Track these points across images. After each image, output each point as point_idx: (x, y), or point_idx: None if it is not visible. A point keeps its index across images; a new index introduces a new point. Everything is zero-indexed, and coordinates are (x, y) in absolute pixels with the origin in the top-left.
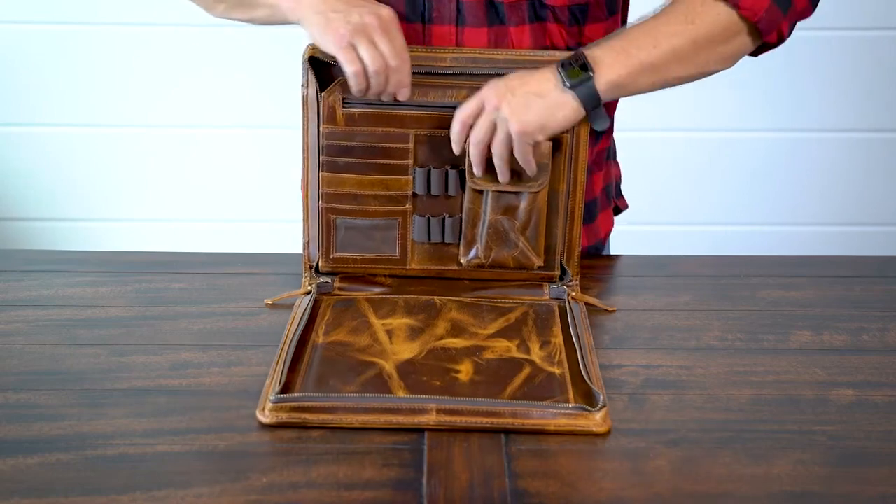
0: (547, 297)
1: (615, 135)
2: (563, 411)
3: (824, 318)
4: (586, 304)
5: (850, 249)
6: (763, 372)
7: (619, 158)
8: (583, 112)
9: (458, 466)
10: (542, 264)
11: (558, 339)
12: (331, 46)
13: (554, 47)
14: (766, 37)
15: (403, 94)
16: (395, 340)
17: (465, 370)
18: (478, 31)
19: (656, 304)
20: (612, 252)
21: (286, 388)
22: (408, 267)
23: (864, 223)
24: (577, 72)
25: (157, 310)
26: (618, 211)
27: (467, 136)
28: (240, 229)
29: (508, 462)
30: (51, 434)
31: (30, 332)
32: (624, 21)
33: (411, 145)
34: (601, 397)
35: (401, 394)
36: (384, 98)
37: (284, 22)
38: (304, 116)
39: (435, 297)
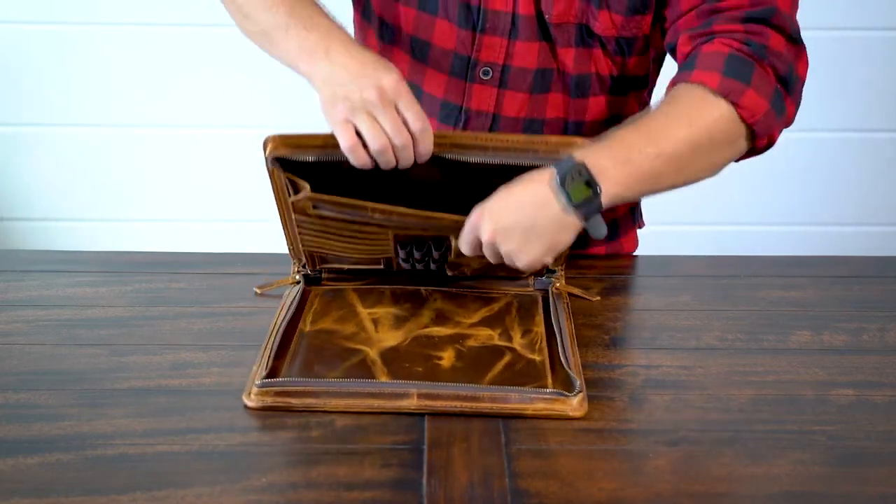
0: (531, 289)
1: None
2: (540, 396)
3: (824, 318)
4: (570, 294)
5: (850, 249)
6: (763, 372)
7: None
8: (583, 224)
9: (458, 466)
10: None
11: (540, 328)
12: (330, 122)
13: (598, 74)
14: (759, 141)
15: (423, 159)
16: (381, 328)
17: (447, 357)
18: (529, 46)
19: (656, 304)
20: None
21: (272, 373)
22: (394, 270)
23: (864, 223)
24: (583, 189)
25: (157, 310)
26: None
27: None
28: (240, 229)
29: (508, 462)
30: (51, 434)
31: (30, 332)
32: (658, 60)
33: (390, 238)
34: (578, 383)
35: (384, 379)
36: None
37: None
38: (272, 185)
39: (421, 288)
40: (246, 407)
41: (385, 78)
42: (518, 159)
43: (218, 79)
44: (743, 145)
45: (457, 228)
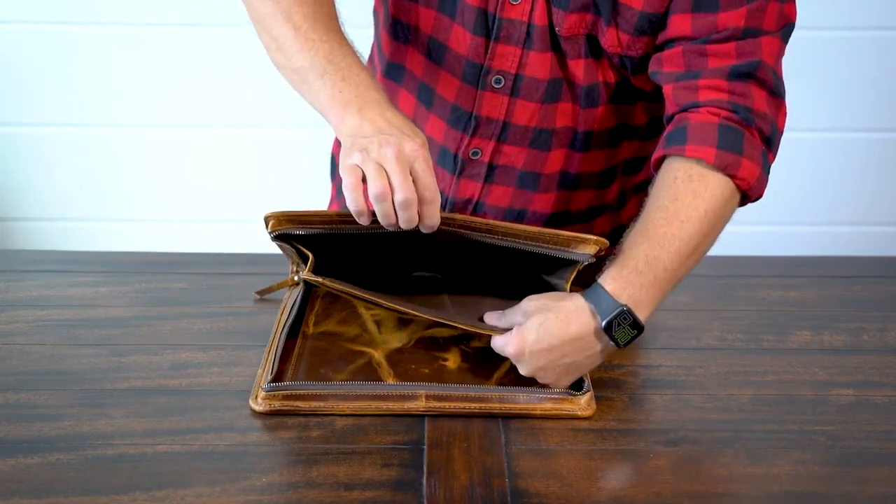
0: None
1: None
2: (548, 396)
3: (824, 318)
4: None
5: (850, 249)
6: (763, 372)
7: None
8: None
9: (458, 466)
10: None
11: None
12: (341, 167)
13: (605, 82)
14: (748, 202)
15: (427, 230)
16: (384, 330)
17: (452, 358)
18: (542, 56)
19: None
20: None
21: (278, 377)
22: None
23: (864, 223)
24: (629, 332)
25: (157, 310)
26: None
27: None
28: (240, 229)
29: (508, 462)
30: (51, 434)
31: (30, 332)
32: None
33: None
34: (586, 383)
35: (390, 381)
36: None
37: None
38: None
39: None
40: (253, 411)
41: (408, 141)
42: (528, 247)
43: (218, 79)
44: (733, 211)
45: (469, 333)
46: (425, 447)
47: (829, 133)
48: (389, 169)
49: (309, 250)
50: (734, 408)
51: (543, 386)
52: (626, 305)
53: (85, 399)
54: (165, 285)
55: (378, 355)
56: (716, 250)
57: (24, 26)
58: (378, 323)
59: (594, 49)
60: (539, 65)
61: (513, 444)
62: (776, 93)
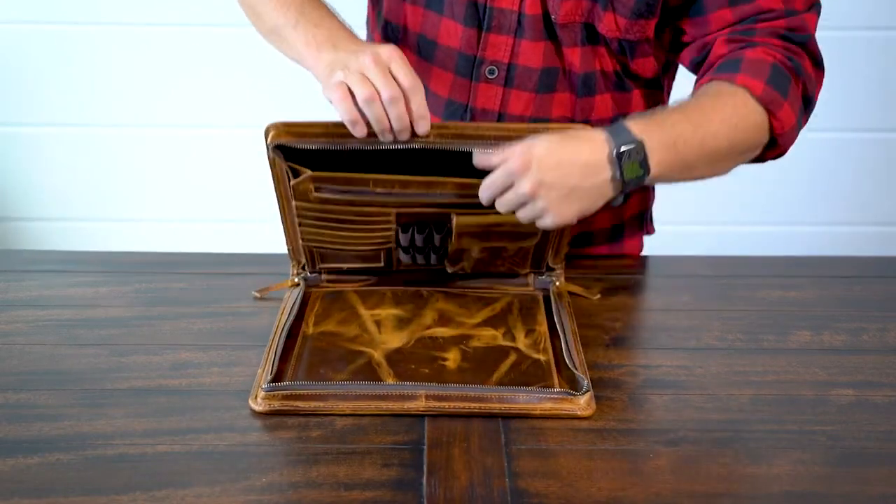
0: (532, 288)
1: None
2: (548, 396)
3: (824, 318)
4: (570, 292)
5: (850, 249)
6: (763, 372)
7: None
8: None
9: (458, 466)
10: (529, 270)
11: (543, 327)
12: (325, 89)
13: (603, 71)
14: (776, 151)
15: (421, 128)
16: (384, 330)
17: (452, 358)
18: (534, 45)
19: (656, 304)
20: None
21: (277, 377)
22: (393, 269)
23: (864, 223)
24: (636, 168)
25: (157, 310)
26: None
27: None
28: (240, 229)
29: (508, 462)
30: (51, 434)
31: (30, 332)
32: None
33: (393, 219)
34: (585, 382)
35: (390, 381)
36: (400, 138)
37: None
38: (272, 174)
39: (422, 289)
40: (252, 411)
41: (382, 48)
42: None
43: (218, 79)
44: (758, 152)
45: (462, 195)
46: (425, 447)
47: (829, 133)
48: (370, 74)
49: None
50: (734, 408)
51: (543, 385)
52: (641, 141)
53: (85, 399)
54: (165, 285)
55: (378, 355)
56: (716, 250)
57: (24, 26)
58: (378, 323)
59: (591, 36)
60: (532, 53)
61: (513, 444)
62: (820, 65)
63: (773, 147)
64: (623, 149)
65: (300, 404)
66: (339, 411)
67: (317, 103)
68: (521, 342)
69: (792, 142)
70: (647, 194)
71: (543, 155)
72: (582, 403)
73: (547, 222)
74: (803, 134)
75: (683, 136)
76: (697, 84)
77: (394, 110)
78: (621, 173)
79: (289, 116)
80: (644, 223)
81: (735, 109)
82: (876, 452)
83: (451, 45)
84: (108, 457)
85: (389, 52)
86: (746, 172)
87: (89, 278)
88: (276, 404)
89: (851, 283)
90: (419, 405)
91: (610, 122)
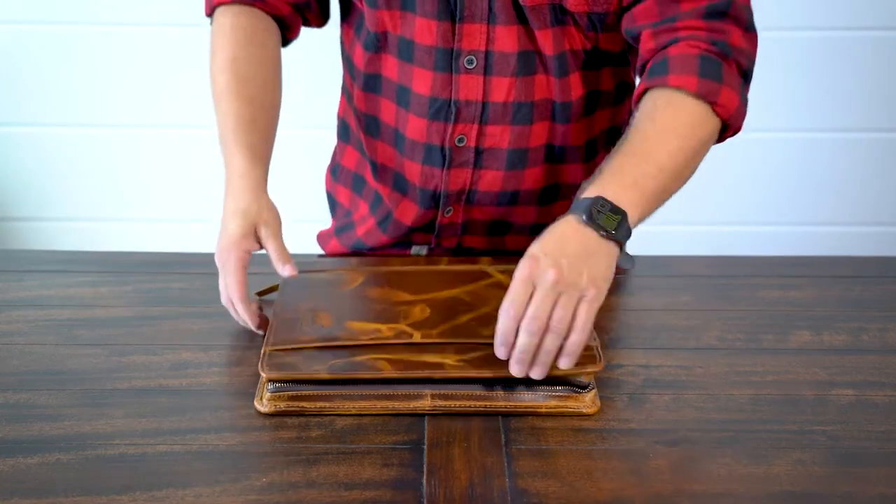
0: None
1: None
2: (553, 394)
3: (824, 318)
4: None
5: (850, 249)
6: (763, 372)
7: None
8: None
9: (458, 466)
10: None
11: None
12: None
13: (573, 50)
14: (729, 133)
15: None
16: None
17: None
18: (508, 30)
19: (656, 304)
20: None
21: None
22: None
23: (864, 223)
24: (612, 217)
25: (157, 310)
26: None
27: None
28: None
29: (508, 462)
30: (51, 434)
31: (30, 332)
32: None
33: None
34: (591, 381)
35: (393, 374)
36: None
37: None
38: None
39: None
40: (257, 411)
41: (222, 239)
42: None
43: None
44: (715, 139)
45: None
46: (425, 447)
47: (830, 133)
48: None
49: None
50: (734, 408)
51: (551, 384)
52: (598, 196)
53: (85, 399)
54: (165, 285)
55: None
56: (716, 250)
57: (24, 26)
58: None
59: (559, 17)
60: (507, 38)
61: (513, 444)
62: (750, 27)
63: (726, 130)
64: (586, 211)
65: (305, 405)
66: (345, 411)
67: (318, 103)
68: None
69: (742, 118)
70: (575, 165)
71: (538, 247)
72: (587, 400)
73: (589, 295)
74: (803, 134)
75: (639, 171)
76: (636, 93)
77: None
78: (602, 228)
79: (289, 116)
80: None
81: (676, 118)
82: (876, 452)
83: (428, 43)
84: (108, 457)
85: (226, 246)
86: (747, 172)
87: (89, 278)
88: (282, 405)
89: (851, 283)
90: (425, 404)
91: (585, 101)
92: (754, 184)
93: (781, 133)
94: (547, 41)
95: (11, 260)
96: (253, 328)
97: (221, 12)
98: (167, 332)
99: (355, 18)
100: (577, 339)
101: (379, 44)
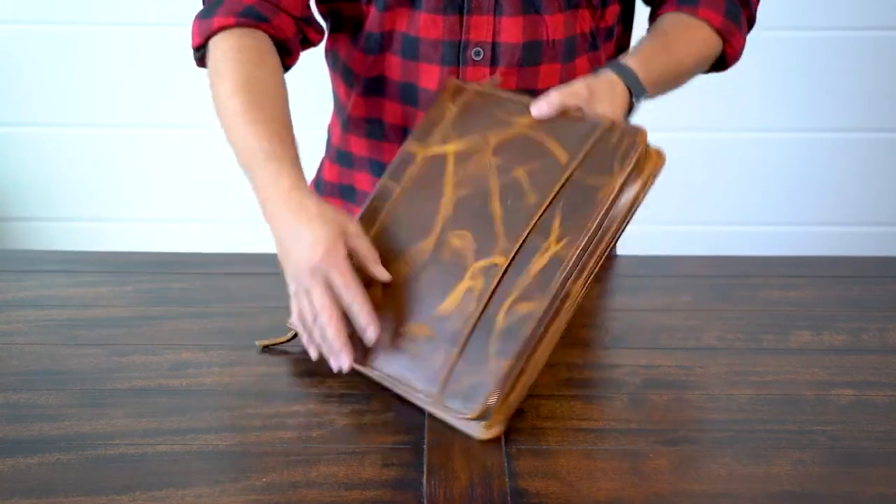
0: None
1: None
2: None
3: (824, 318)
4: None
5: (850, 249)
6: (763, 372)
7: None
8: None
9: (458, 466)
10: None
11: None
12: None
13: (582, 33)
14: (722, 69)
15: (369, 335)
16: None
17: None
18: (514, 21)
19: (656, 304)
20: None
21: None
22: None
23: (864, 223)
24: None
25: (157, 310)
26: None
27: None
28: (240, 229)
29: (508, 462)
30: (51, 434)
31: (30, 332)
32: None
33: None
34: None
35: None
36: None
37: None
38: None
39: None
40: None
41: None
42: None
43: None
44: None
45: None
46: (425, 447)
47: (829, 133)
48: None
49: None
50: (734, 408)
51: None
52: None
53: (85, 399)
54: (165, 285)
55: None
56: (716, 250)
57: (24, 26)
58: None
59: (572, 1)
60: (512, 29)
61: (513, 444)
62: None
63: (721, 66)
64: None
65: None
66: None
67: (317, 104)
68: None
69: (736, 61)
70: None
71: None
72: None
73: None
74: (804, 134)
75: (662, 64)
76: (659, 12)
77: (328, 332)
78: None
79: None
80: None
81: (698, 40)
82: (876, 452)
83: (434, 37)
84: (108, 457)
85: (323, 259)
86: (746, 172)
87: (89, 278)
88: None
89: (851, 283)
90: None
91: None
92: (754, 184)
93: (781, 133)
94: (558, 27)
95: (11, 260)
96: (345, 362)
97: (223, 37)
98: (167, 332)
99: (350, 26)
100: None
101: (383, 43)
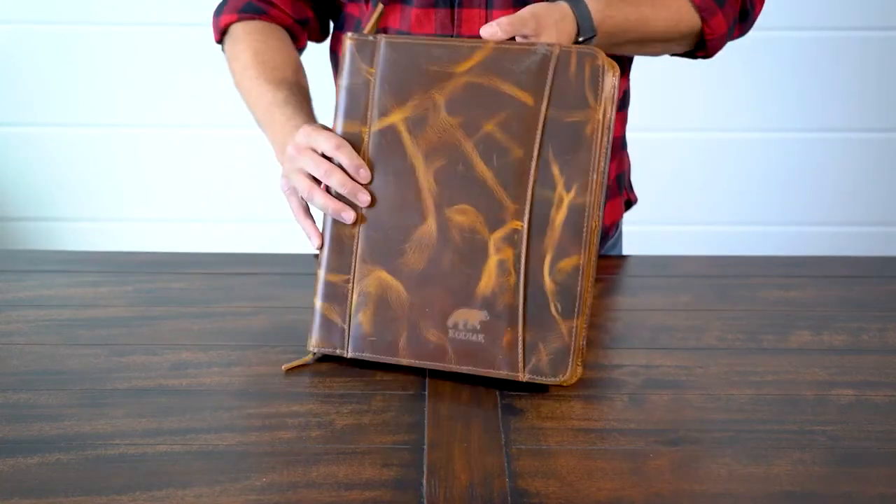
0: None
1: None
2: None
3: (824, 318)
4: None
5: (850, 249)
6: (763, 372)
7: None
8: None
9: (458, 466)
10: None
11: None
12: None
13: None
14: (702, 53)
15: (362, 177)
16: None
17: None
18: (506, 13)
19: (656, 304)
20: (622, 246)
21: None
22: None
23: (864, 223)
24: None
25: (157, 310)
26: (629, 205)
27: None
28: (240, 229)
29: (508, 462)
30: (51, 434)
31: (30, 332)
32: None
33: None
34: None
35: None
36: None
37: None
38: None
39: None
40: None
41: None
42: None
43: (218, 79)
44: (685, 49)
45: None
46: (425, 447)
47: (830, 133)
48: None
49: None
50: (734, 408)
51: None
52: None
53: (85, 399)
54: (165, 285)
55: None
56: (715, 250)
57: (24, 26)
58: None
59: None
60: None
61: (513, 444)
62: None
63: (702, 48)
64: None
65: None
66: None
67: (316, 104)
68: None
69: (720, 48)
70: (620, 158)
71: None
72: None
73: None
74: (804, 134)
75: (623, 14)
76: None
77: (333, 181)
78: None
79: None
80: (622, 188)
81: (671, 6)
82: (876, 452)
83: (427, 32)
84: (108, 457)
85: (304, 134)
86: (746, 172)
87: (89, 278)
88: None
89: (851, 283)
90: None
91: None
92: (753, 184)
93: (780, 133)
94: None
95: (11, 260)
96: (366, 198)
97: (232, 30)
98: (167, 332)
99: (352, 24)
100: None
101: None
